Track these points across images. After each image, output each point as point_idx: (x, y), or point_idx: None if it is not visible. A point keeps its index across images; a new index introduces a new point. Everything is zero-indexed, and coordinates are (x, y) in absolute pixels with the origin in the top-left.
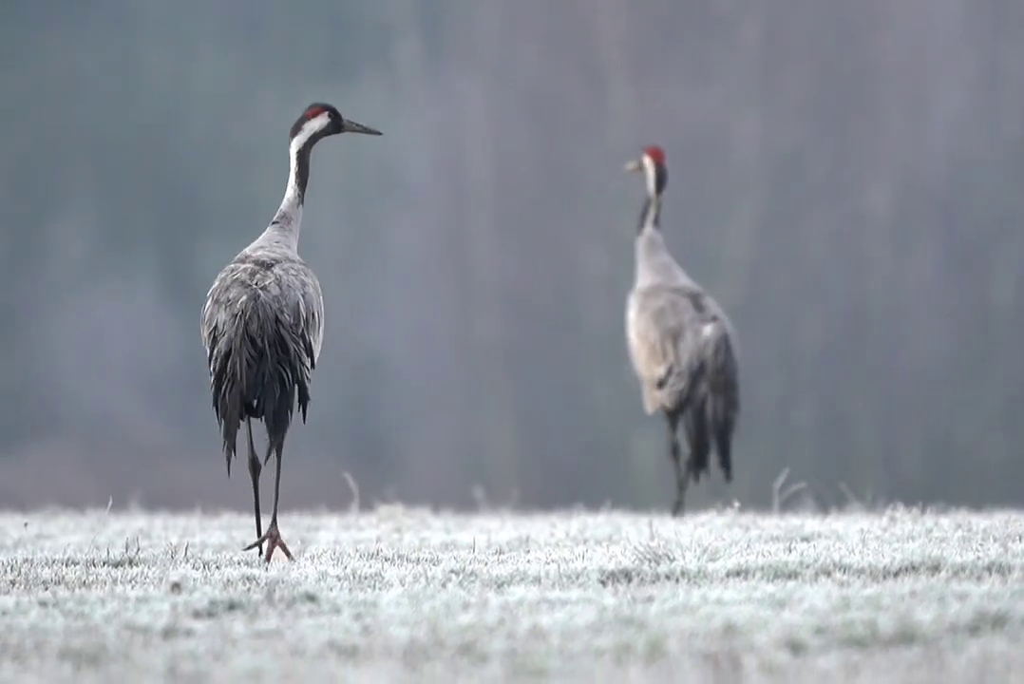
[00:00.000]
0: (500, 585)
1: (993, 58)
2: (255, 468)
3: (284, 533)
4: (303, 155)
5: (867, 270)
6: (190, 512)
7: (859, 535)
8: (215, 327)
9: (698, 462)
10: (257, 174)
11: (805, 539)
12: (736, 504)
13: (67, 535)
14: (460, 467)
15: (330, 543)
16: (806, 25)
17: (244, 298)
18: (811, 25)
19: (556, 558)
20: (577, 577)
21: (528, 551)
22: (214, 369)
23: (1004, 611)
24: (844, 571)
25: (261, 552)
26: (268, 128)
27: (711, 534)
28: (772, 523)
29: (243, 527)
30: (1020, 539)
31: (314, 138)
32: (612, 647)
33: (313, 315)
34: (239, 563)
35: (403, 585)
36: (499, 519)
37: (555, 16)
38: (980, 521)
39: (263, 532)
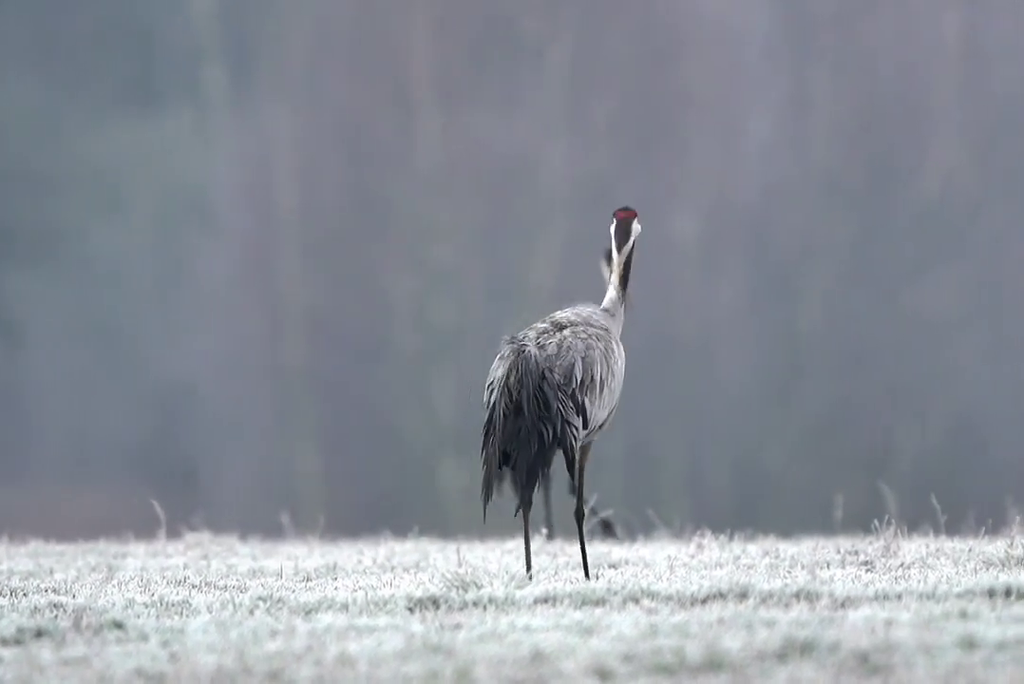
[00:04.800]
0: (308, 612)
1: (800, 85)
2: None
3: (90, 560)
4: (631, 258)
5: (675, 296)
6: None
7: (667, 562)
8: (492, 380)
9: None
10: (60, 201)
11: (613, 566)
12: (543, 530)
13: None
14: (267, 494)
15: (137, 570)
16: (614, 51)
17: (509, 352)
18: (619, 51)
19: (364, 585)
20: (385, 604)
21: (335, 578)
22: (484, 419)
23: (812, 638)
24: (652, 598)
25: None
26: (72, 154)
27: (519, 561)
28: (579, 550)
29: (50, 555)
30: (827, 566)
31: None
32: (420, 674)
33: (592, 378)
34: (46, 590)
35: (210, 612)
36: (306, 546)
37: (364, 44)
38: (787, 548)
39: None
